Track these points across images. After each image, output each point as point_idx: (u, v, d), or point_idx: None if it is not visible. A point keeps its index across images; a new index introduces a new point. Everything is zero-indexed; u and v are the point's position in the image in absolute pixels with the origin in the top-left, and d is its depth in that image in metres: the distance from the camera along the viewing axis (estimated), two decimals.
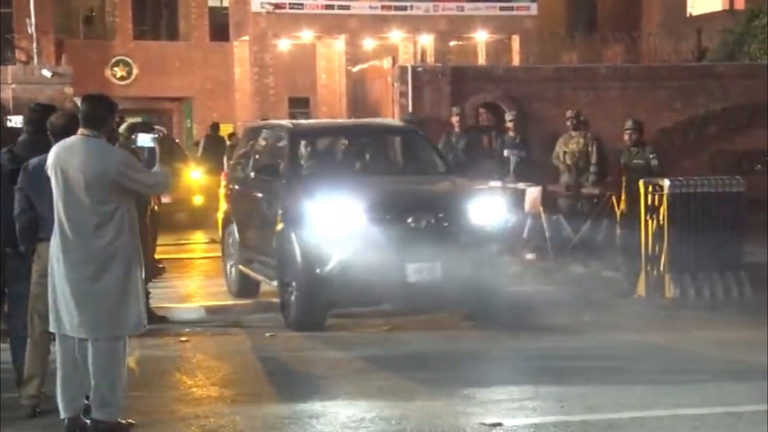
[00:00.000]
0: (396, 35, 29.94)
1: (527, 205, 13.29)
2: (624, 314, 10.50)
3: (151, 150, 6.61)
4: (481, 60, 30.38)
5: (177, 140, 27.71)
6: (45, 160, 6.41)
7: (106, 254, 6.24)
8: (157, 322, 9.93)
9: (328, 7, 29.18)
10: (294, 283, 9.83)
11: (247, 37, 30.01)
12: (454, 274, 9.57)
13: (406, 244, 9.55)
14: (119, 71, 32.04)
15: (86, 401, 6.40)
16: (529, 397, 7.30)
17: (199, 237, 17.87)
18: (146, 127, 9.25)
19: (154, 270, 10.43)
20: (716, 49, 23.99)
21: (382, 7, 29.47)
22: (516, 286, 10.72)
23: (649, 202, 11.10)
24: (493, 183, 13.16)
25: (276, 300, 10.48)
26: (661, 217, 10.98)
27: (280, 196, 10.47)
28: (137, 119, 17.18)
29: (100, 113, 6.37)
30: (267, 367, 8.57)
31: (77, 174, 6.21)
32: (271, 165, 11.03)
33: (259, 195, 11.09)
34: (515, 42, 30.50)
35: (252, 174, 11.43)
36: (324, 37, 30.21)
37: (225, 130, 26.00)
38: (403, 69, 18.16)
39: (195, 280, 13.50)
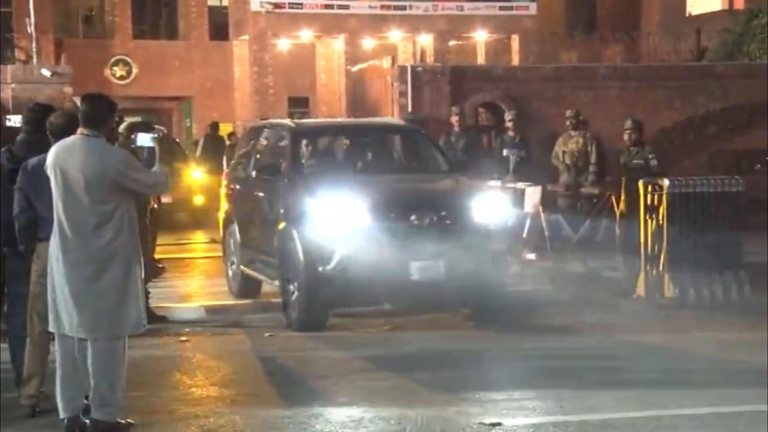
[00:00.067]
0: (395, 35, 29.92)
1: (527, 205, 13.27)
2: (624, 314, 10.50)
3: (151, 149, 6.60)
4: (481, 60, 30.36)
5: (177, 140, 27.67)
6: (44, 160, 6.40)
7: (106, 254, 6.23)
8: (157, 321, 9.93)
9: (327, 6, 29.16)
10: (296, 283, 9.81)
11: (246, 37, 29.98)
12: (457, 272, 9.55)
13: (410, 242, 9.51)
14: (119, 71, 32.01)
15: (85, 401, 6.40)
16: (528, 397, 7.30)
17: (199, 237, 17.85)
18: (146, 127, 9.27)
19: (154, 270, 10.43)
20: (716, 48, 23.99)
21: (382, 7, 29.44)
22: (516, 286, 10.74)
23: (649, 201, 11.09)
24: (493, 183, 13.14)
25: (276, 300, 10.48)
26: (660, 217, 10.97)
27: (282, 195, 10.44)
28: (137, 119, 17.21)
29: (99, 113, 6.36)
30: (267, 367, 8.57)
31: (77, 174, 6.20)
32: (273, 164, 11.00)
33: (261, 194, 11.06)
34: (515, 42, 30.47)
35: (253, 173, 11.39)
36: (323, 36, 30.20)
37: (224, 129, 25.95)
38: (403, 69, 18.17)
39: (195, 279, 13.48)
